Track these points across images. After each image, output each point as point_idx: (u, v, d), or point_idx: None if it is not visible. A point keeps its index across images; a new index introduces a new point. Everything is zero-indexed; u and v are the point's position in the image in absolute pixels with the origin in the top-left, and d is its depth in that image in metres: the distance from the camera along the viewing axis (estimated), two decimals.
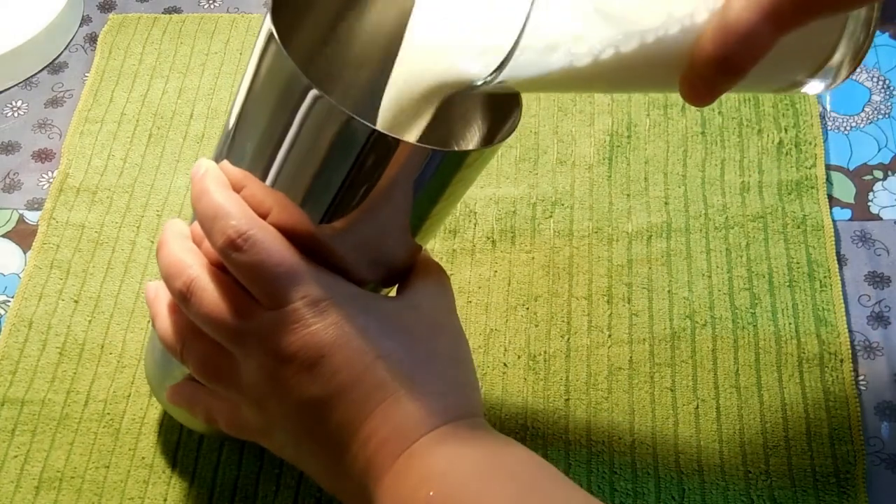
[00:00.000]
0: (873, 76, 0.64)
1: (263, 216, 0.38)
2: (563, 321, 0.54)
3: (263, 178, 0.38)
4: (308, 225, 0.38)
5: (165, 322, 0.42)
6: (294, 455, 0.40)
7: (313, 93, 0.34)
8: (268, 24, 0.36)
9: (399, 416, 0.37)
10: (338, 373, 0.37)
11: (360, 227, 0.38)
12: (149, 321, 0.55)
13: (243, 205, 0.38)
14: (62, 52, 0.68)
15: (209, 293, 0.39)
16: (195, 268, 0.39)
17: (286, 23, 0.37)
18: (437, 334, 0.40)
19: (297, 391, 0.38)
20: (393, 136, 0.35)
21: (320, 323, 0.37)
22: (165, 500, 0.48)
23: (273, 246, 0.37)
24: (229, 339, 0.39)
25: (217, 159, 0.40)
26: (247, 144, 0.38)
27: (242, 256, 0.37)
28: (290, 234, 0.38)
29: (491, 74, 0.33)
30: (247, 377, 0.39)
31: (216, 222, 0.37)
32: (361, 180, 0.36)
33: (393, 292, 0.43)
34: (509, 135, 0.38)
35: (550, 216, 0.58)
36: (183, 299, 0.39)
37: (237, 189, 0.38)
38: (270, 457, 0.49)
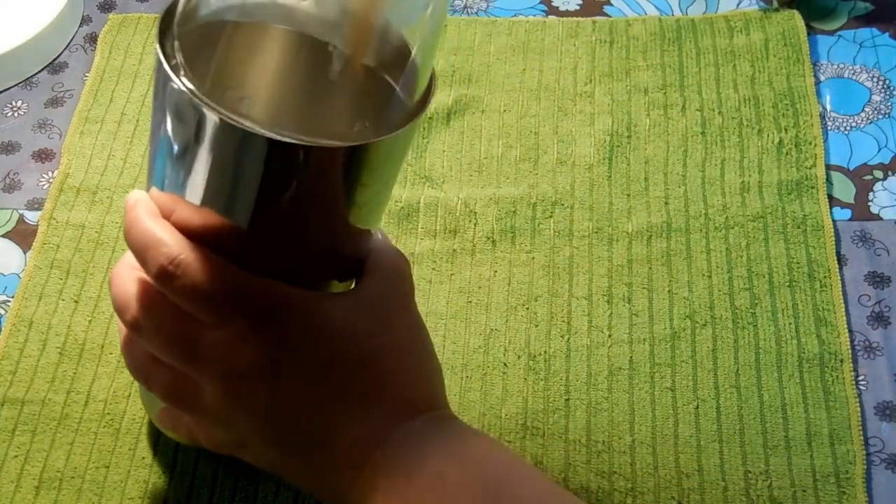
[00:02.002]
0: (873, 76, 0.65)
1: (196, 236, 0.37)
2: (563, 321, 0.54)
3: (188, 198, 0.37)
4: (240, 236, 0.37)
5: (128, 356, 0.42)
6: (270, 465, 0.41)
7: (196, 106, 0.34)
8: (156, 48, 0.35)
9: (356, 422, 0.37)
10: (289, 384, 0.37)
11: (292, 228, 0.37)
12: None
13: (172, 231, 0.38)
14: (62, 52, 0.68)
15: (154, 323, 0.39)
16: (138, 302, 0.39)
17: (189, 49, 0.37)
18: (388, 328, 0.40)
19: (255, 405, 0.38)
20: (288, 140, 0.34)
21: (265, 335, 0.37)
22: (165, 500, 0.48)
23: (205, 267, 0.37)
24: (183, 364, 0.39)
25: (147, 188, 0.40)
26: (165, 167, 0.38)
27: (177, 282, 0.37)
28: (226, 250, 0.37)
29: None
30: (208, 399, 0.39)
31: (147, 252, 0.37)
32: (275, 185, 0.36)
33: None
34: (422, 110, 0.37)
35: (550, 216, 0.58)
36: (135, 332, 0.39)
37: (167, 215, 0.38)
38: None
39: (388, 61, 0.36)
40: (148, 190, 0.40)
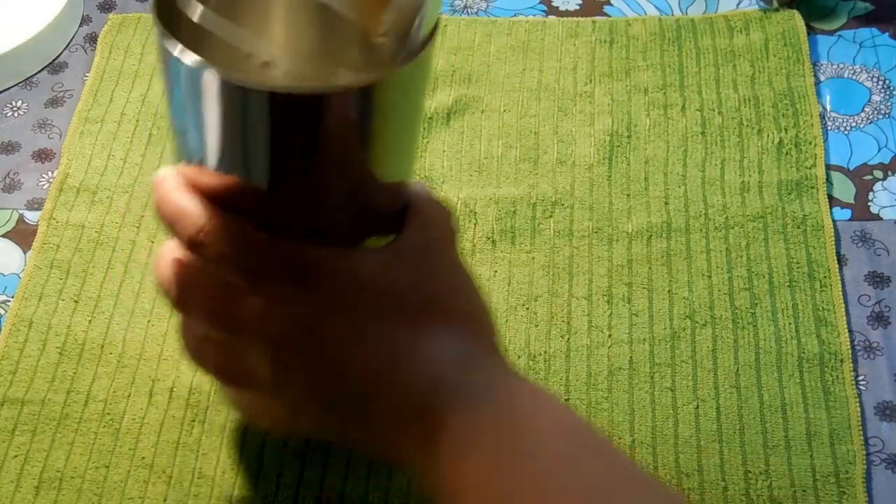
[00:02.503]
0: (873, 76, 0.65)
1: (225, 205, 0.38)
2: (563, 321, 0.54)
3: (212, 168, 0.37)
4: (267, 200, 0.37)
5: (183, 339, 0.42)
6: (331, 433, 0.40)
7: (193, 65, 0.34)
8: (154, 16, 0.35)
9: (408, 374, 0.37)
10: (334, 344, 0.37)
11: (317, 186, 0.37)
12: (149, 321, 0.55)
13: (199, 202, 0.38)
14: (62, 52, 0.68)
15: (196, 298, 0.39)
16: (179, 280, 0.39)
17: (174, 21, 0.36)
18: (431, 276, 0.39)
19: (303, 369, 0.38)
20: (294, 90, 0.34)
21: (301, 297, 0.37)
22: (165, 499, 0.48)
23: (233, 233, 0.37)
24: (229, 335, 0.39)
25: (175, 163, 0.40)
26: (184, 141, 0.38)
27: (207, 250, 0.37)
28: (256, 215, 0.37)
29: None
30: (259, 370, 0.39)
31: (176, 225, 0.38)
32: (291, 141, 0.35)
33: None
34: (428, 45, 0.36)
35: (550, 216, 0.58)
36: (181, 310, 0.40)
37: (195, 188, 0.38)
38: (271, 456, 0.49)
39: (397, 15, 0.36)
40: (177, 166, 0.40)
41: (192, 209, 0.38)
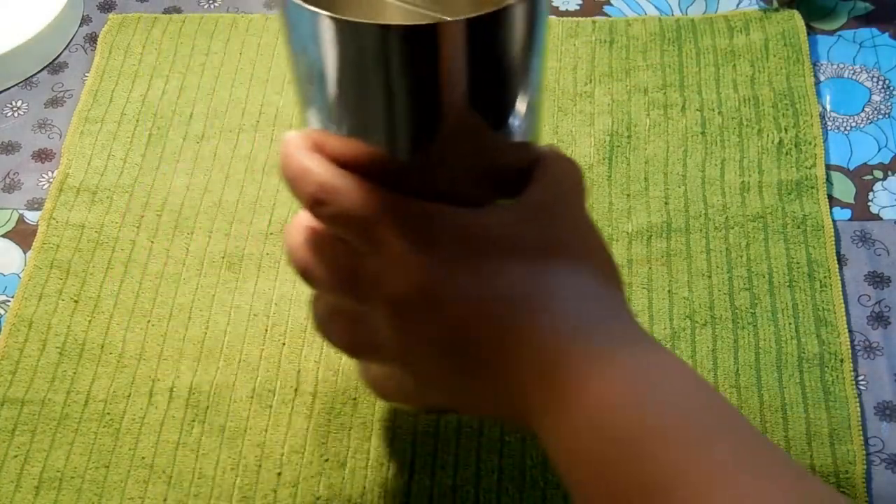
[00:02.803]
0: (873, 76, 0.65)
1: (348, 165, 0.37)
2: None
3: (337, 130, 0.37)
4: (390, 160, 0.37)
5: (313, 313, 0.42)
6: (456, 397, 0.39)
7: (322, 18, 0.33)
8: None
9: (529, 338, 0.36)
10: (453, 303, 0.36)
11: (440, 143, 0.36)
12: (148, 321, 0.55)
13: (321, 160, 0.37)
14: (62, 52, 0.68)
15: (319, 264, 0.39)
16: (304, 247, 0.39)
17: None
18: (557, 233, 0.38)
19: (423, 330, 0.37)
20: (426, 23, 0.33)
21: (421, 256, 0.36)
22: (165, 500, 0.48)
23: (354, 190, 0.37)
24: (353, 299, 0.39)
25: (301, 127, 0.40)
26: (309, 102, 0.37)
27: (328, 209, 0.37)
28: (377, 175, 0.37)
29: None
30: (382, 337, 0.38)
31: (297, 183, 0.38)
32: (414, 92, 0.34)
33: None
34: None
35: None
36: (306, 279, 0.40)
37: (320, 150, 0.38)
38: (270, 456, 0.49)
39: None
40: (303, 129, 0.39)
41: (314, 167, 0.37)
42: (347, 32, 0.33)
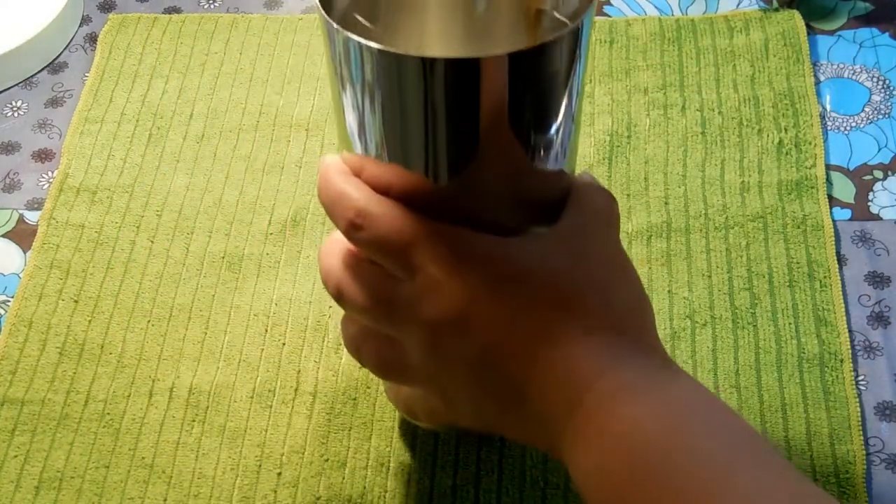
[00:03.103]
0: (873, 76, 0.65)
1: (385, 191, 0.38)
2: None
3: (377, 156, 0.37)
4: (428, 186, 0.37)
5: (344, 333, 0.43)
6: (486, 423, 0.40)
7: (366, 47, 0.34)
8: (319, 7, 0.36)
9: (558, 368, 0.36)
10: (486, 331, 0.37)
11: (477, 172, 0.37)
12: (148, 321, 0.55)
13: (360, 185, 0.38)
14: (62, 52, 0.68)
15: (354, 286, 0.39)
16: (339, 269, 0.40)
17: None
18: (587, 263, 0.38)
19: (455, 357, 0.37)
20: (469, 56, 0.33)
21: (455, 282, 0.37)
22: (165, 500, 0.48)
23: (391, 217, 0.37)
24: (384, 324, 0.39)
25: (339, 150, 0.40)
26: (350, 127, 0.38)
27: (364, 234, 0.37)
28: (414, 202, 0.37)
29: None
30: (413, 360, 0.39)
31: (335, 208, 0.38)
32: (452, 120, 0.35)
33: None
34: (584, 13, 0.35)
35: None
36: (339, 300, 0.40)
37: (356, 174, 0.39)
38: (270, 456, 0.49)
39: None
40: (340, 153, 0.40)
41: (352, 192, 0.38)
42: (391, 63, 0.34)
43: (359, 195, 0.38)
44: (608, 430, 0.35)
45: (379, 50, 0.34)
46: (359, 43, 0.34)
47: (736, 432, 0.35)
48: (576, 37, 0.35)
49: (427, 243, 0.37)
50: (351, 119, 0.37)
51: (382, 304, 0.39)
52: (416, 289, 0.37)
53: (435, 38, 0.41)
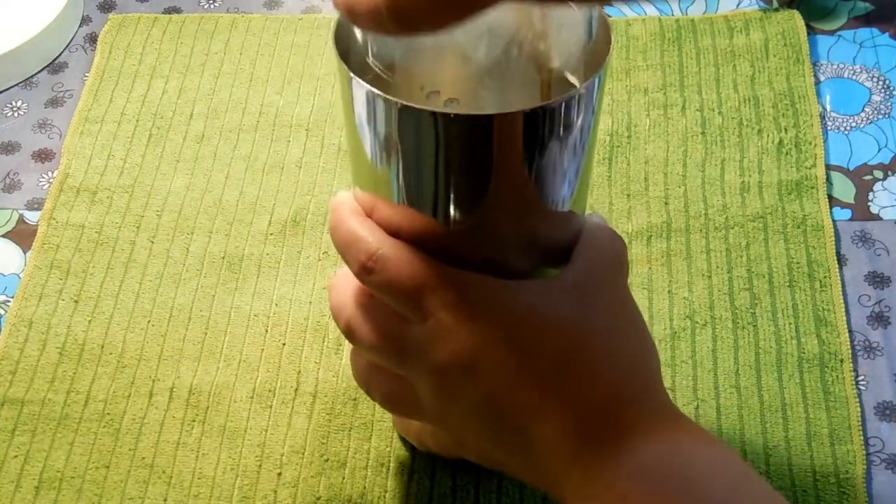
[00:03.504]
0: (873, 76, 0.65)
1: (397, 232, 0.38)
2: None
3: (388, 197, 0.38)
4: (440, 231, 0.37)
5: (353, 365, 0.43)
6: (493, 462, 0.41)
7: (380, 99, 0.34)
8: (331, 44, 0.36)
9: (560, 418, 0.37)
10: (492, 377, 0.37)
11: (489, 217, 0.37)
12: (149, 321, 0.55)
13: (372, 228, 0.38)
14: (62, 52, 0.68)
15: (365, 324, 0.40)
16: (350, 305, 0.40)
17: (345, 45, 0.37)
18: (593, 312, 0.38)
19: (462, 401, 0.38)
20: (481, 114, 0.34)
21: (464, 329, 0.37)
22: (165, 500, 0.48)
23: (403, 261, 0.37)
24: (393, 363, 0.40)
25: (352, 187, 0.41)
26: (361, 167, 0.38)
27: (375, 277, 0.38)
28: (426, 244, 0.38)
29: None
30: (423, 398, 0.39)
31: (348, 250, 0.38)
32: (466, 171, 0.36)
33: None
34: (604, 58, 0.36)
35: None
36: (350, 336, 0.41)
37: (368, 213, 0.39)
38: (270, 456, 0.49)
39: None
40: (353, 189, 0.40)
41: (365, 235, 0.38)
42: (406, 115, 0.34)
43: (371, 239, 0.38)
44: (607, 483, 0.35)
45: (396, 104, 0.34)
46: (375, 94, 0.34)
47: (735, 476, 0.36)
48: (590, 93, 0.36)
49: (438, 289, 0.37)
50: (364, 161, 0.38)
51: (392, 345, 0.39)
52: (426, 333, 0.38)
53: (448, 82, 0.42)
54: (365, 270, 0.38)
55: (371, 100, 0.35)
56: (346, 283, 0.41)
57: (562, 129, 0.36)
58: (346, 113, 0.38)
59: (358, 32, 0.38)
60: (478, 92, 0.41)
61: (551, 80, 0.40)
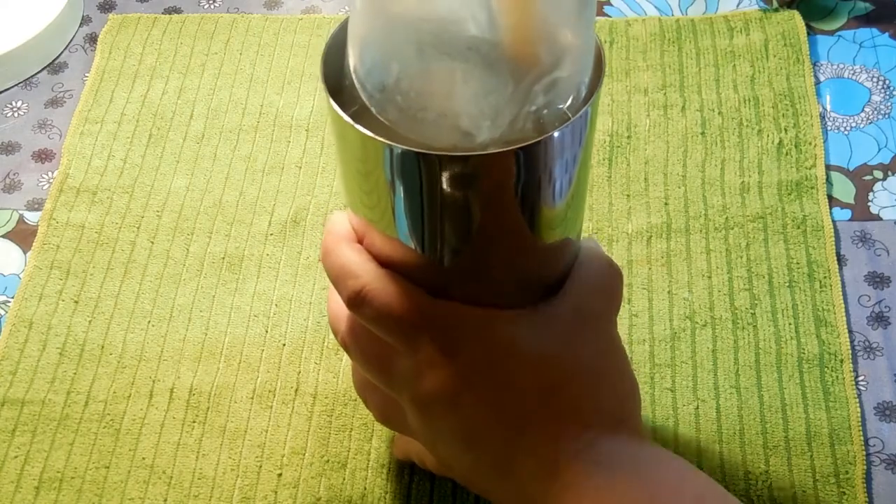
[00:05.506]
0: (873, 76, 0.65)
1: (387, 264, 0.38)
2: None
3: (378, 227, 0.38)
4: (431, 264, 0.37)
5: (354, 376, 0.44)
6: (479, 489, 0.41)
7: (367, 138, 0.34)
8: (320, 81, 0.36)
9: (538, 450, 0.37)
10: (475, 410, 0.38)
11: (480, 252, 0.37)
12: (149, 322, 0.55)
13: (364, 259, 0.38)
14: (62, 52, 0.68)
15: (357, 346, 0.40)
16: (345, 323, 0.41)
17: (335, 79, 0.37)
18: (577, 349, 0.39)
19: (447, 431, 0.38)
20: (466, 154, 0.34)
21: (449, 364, 0.37)
22: (165, 500, 0.48)
23: (392, 296, 0.38)
24: (383, 385, 0.40)
25: (346, 206, 0.41)
26: (352, 195, 0.38)
27: (366, 310, 0.38)
28: (416, 275, 0.38)
29: None
30: (410, 422, 0.40)
31: (339, 281, 0.39)
32: (452, 208, 0.36)
33: None
34: (594, 93, 0.35)
35: None
36: (345, 351, 0.41)
37: (360, 237, 0.39)
38: (271, 457, 0.49)
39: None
40: (347, 210, 0.40)
41: (357, 267, 0.38)
42: (393, 154, 0.34)
43: (361, 271, 0.38)
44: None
45: (378, 141, 0.34)
46: (363, 134, 0.34)
47: (703, 493, 0.37)
48: (582, 123, 0.36)
49: (425, 323, 0.38)
50: (355, 191, 0.38)
51: (380, 371, 0.40)
52: (413, 364, 0.38)
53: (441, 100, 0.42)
54: (354, 303, 0.38)
55: (355, 137, 0.35)
56: (338, 324, 0.42)
57: (553, 163, 0.36)
58: (335, 142, 0.38)
59: (350, 57, 0.37)
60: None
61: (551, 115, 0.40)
